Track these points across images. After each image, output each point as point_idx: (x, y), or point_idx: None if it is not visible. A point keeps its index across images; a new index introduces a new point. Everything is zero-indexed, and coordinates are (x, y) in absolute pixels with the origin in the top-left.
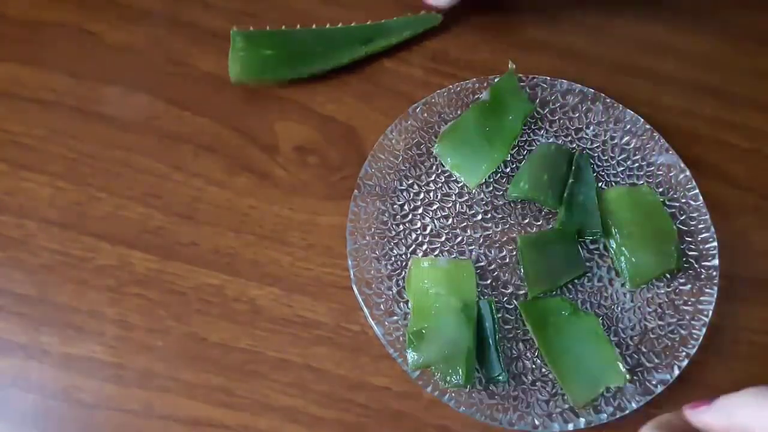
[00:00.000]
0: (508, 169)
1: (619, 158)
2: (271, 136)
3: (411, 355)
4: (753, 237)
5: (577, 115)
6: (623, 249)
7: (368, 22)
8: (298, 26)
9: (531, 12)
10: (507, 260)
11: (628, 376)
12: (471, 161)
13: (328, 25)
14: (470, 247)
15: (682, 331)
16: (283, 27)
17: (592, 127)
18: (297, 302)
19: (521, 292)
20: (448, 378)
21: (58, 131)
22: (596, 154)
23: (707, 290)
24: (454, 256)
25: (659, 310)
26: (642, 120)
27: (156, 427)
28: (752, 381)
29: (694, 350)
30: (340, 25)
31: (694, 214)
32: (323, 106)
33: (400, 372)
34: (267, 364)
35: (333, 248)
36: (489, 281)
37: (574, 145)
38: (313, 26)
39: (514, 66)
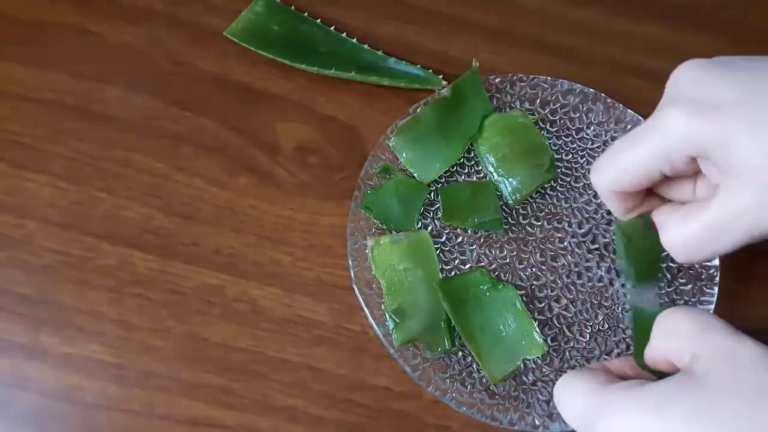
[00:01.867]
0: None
1: None
2: (271, 136)
3: (396, 334)
4: None
5: (577, 115)
6: (500, 171)
7: (379, 51)
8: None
9: (531, 12)
10: (507, 260)
11: (545, 347)
12: (425, 158)
13: (333, 27)
14: (471, 247)
15: None
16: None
17: (592, 128)
18: (297, 302)
19: (521, 292)
20: (435, 347)
21: (58, 131)
22: (596, 155)
23: (708, 290)
24: (455, 256)
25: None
26: (643, 120)
27: (156, 427)
28: None
29: None
30: (333, 28)
31: None
32: (323, 106)
33: (400, 372)
34: (267, 364)
35: (333, 248)
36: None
37: (575, 145)
38: (318, 20)
39: (477, 64)
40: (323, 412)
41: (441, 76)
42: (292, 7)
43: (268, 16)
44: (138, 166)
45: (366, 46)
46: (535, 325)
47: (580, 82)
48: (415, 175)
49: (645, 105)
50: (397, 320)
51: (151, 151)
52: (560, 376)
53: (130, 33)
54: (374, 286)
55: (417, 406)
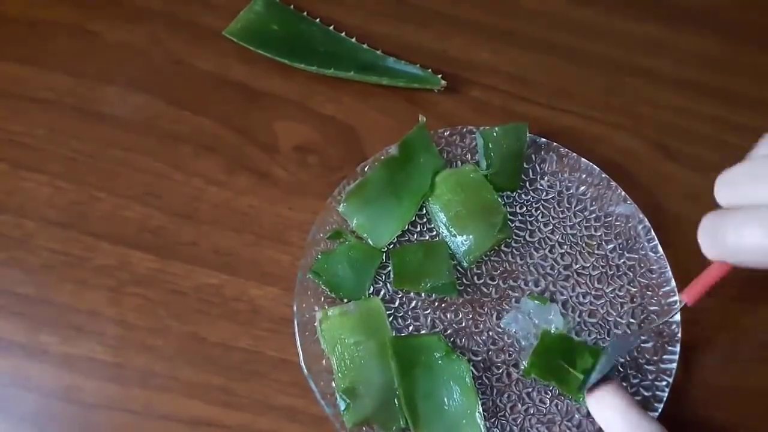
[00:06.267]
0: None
1: (576, 209)
2: (270, 136)
3: (347, 416)
4: None
5: (530, 165)
6: (452, 230)
7: (378, 51)
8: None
9: (531, 12)
10: (463, 324)
11: (484, 430)
12: (377, 222)
13: (332, 27)
14: (425, 312)
15: (645, 393)
16: None
17: (546, 178)
18: None
19: (478, 359)
20: (390, 425)
21: (58, 131)
22: (551, 206)
23: (669, 348)
24: (408, 322)
25: (621, 369)
26: (598, 169)
27: (156, 426)
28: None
29: (658, 413)
30: (332, 28)
31: (654, 267)
32: (323, 105)
33: None
34: (267, 364)
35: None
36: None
37: (529, 197)
38: (317, 20)
39: (424, 119)
40: (323, 411)
41: (440, 76)
42: (291, 7)
43: (267, 16)
44: (137, 166)
45: (365, 46)
46: (480, 405)
47: (579, 82)
48: (369, 239)
49: (645, 105)
50: (348, 401)
51: (150, 150)
52: None
53: (129, 33)
54: (324, 362)
55: None
